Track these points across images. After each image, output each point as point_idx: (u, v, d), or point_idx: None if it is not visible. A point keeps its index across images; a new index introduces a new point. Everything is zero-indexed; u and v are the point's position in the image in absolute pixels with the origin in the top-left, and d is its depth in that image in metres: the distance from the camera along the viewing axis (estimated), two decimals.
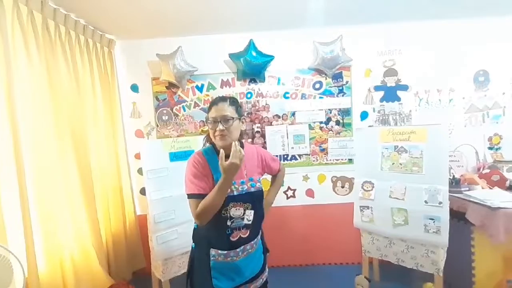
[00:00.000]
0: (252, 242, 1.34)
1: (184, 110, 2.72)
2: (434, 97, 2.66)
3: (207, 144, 1.36)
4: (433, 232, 1.85)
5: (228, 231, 1.27)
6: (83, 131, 2.10)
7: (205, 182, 1.23)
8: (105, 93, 2.43)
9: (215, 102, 1.27)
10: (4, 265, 1.21)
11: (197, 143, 2.19)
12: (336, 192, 2.76)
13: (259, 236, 1.41)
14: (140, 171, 2.70)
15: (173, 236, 2.01)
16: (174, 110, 2.72)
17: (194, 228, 1.40)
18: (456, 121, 2.65)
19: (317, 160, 2.74)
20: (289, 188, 2.77)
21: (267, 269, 1.48)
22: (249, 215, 1.29)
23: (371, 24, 2.56)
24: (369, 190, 2.10)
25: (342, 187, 2.76)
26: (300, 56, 2.66)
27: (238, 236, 1.28)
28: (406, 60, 2.64)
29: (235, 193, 1.26)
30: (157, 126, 2.73)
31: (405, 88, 2.67)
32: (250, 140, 2.73)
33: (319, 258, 2.80)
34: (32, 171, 1.65)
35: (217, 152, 1.21)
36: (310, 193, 2.77)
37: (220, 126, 1.21)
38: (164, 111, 2.72)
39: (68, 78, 1.99)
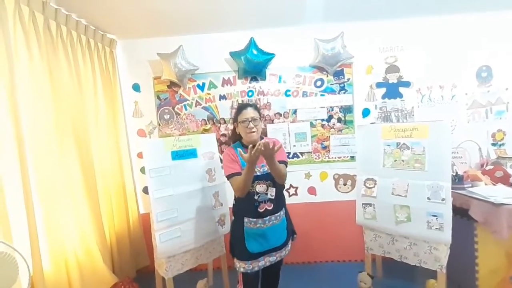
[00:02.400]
0: (276, 214, 1.71)
1: (186, 109, 2.73)
2: (436, 94, 2.64)
3: (230, 142, 1.78)
4: (436, 228, 1.84)
5: (256, 203, 1.67)
6: (86, 131, 2.12)
7: (236, 166, 1.65)
8: (107, 93, 2.44)
9: (244, 107, 1.71)
10: (9, 263, 1.23)
11: (199, 142, 2.20)
12: (338, 190, 2.76)
13: (282, 212, 1.76)
14: (143, 170, 2.71)
15: (176, 234, 2.02)
16: (175, 109, 2.72)
17: (233, 204, 1.81)
18: (459, 117, 2.63)
19: (319, 157, 2.74)
20: (291, 186, 2.77)
21: (290, 245, 1.85)
22: (272, 191, 1.69)
23: (373, 20, 2.55)
24: (371, 187, 2.09)
25: (344, 184, 2.75)
26: (301, 54, 2.65)
27: (264, 208, 1.67)
28: (408, 57, 2.62)
29: (258, 173, 1.66)
30: (159, 125, 2.74)
31: (407, 84, 2.65)
32: None
33: (321, 255, 2.81)
34: (35, 170, 1.67)
35: (244, 146, 1.70)
36: (312, 190, 2.77)
37: (251, 125, 1.65)
38: (166, 110, 2.73)
39: (70, 78, 2.00)
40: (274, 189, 1.69)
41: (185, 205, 2.06)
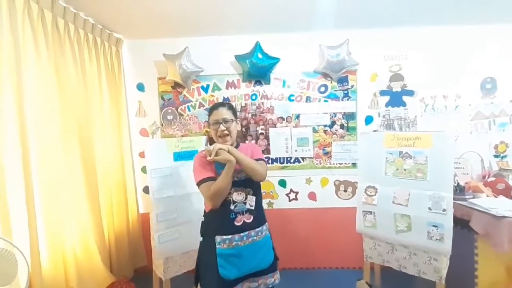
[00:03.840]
0: (257, 229, 1.44)
1: (189, 110, 2.73)
2: (440, 103, 2.64)
3: (209, 145, 1.53)
4: (436, 239, 1.83)
5: (232, 215, 1.40)
6: (89, 129, 2.13)
7: (210, 170, 1.42)
8: (111, 91, 2.45)
9: (215, 107, 1.50)
10: (9, 259, 1.23)
11: (201, 143, 2.20)
12: (338, 196, 2.76)
13: (265, 228, 1.50)
14: (144, 169, 2.72)
15: (175, 236, 2.02)
16: (179, 110, 2.73)
17: (202, 222, 1.51)
18: (462, 128, 2.63)
19: (320, 163, 2.73)
20: (291, 190, 2.77)
21: (278, 273, 1.52)
22: (251, 200, 1.44)
23: (378, 28, 2.56)
24: (372, 195, 2.09)
25: (345, 191, 2.75)
26: (306, 59, 2.66)
27: (242, 220, 1.41)
28: (413, 66, 2.63)
29: (235, 179, 1.42)
30: (162, 125, 2.75)
31: (410, 93, 2.66)
32: (253, 141, 2.73)
33: (320, 261, 2.80)
34: (38, 167, 1.67)
35: None
36: (312, 196, 2.77)
37: (222, 127, 1.45)
38: (169, 111, 2.74)
39: (75, 76, 2.01)
40: (254, 198, 1.45)
41: (185, 207, 2.06)
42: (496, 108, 2.62)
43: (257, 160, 1.47)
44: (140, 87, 2.74)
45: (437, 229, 1.83)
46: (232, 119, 1.48)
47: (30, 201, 1.55)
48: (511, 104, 2.60)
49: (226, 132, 1.45)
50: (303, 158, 2.73)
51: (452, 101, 2.63)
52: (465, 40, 2.57)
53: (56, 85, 1.82)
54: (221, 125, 1.45)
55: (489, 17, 2.39)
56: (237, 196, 1.42)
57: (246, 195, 1.44)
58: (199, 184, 1.39)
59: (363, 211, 2.13)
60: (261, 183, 1.51)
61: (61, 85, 1.86)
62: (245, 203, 1.43)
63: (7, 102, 1.51)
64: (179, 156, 2.11)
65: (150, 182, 1.98)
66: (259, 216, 1.47)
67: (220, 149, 1.36)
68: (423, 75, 2.62)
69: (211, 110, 1.51)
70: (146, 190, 2.71)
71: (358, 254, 2.36)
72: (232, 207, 1.40)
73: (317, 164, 2.73)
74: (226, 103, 1.54)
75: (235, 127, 1.51)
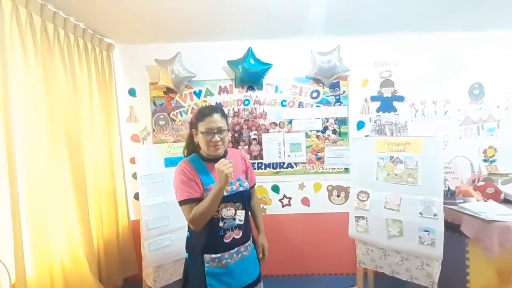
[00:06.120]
0: (246, 244, 1.38)
1: (181, 116, 2.72)
2: (429, 109, 2.68)
3: (186, 152, 1.44)
4: (428, 244, 1.84)
5: (221, 232, 1.31)
6: (78, 134, 2.09)
7: (194, 187, 1.28)
8: (102, 97, 2.42)
9: (208, 113, 1.31)
10: None
11: None
12: (331, 201, 2.76)
13: (251, 240, 1.43)
14: (135, 175, 2.67)
15: (166, 243, 1.98)
16: (171, 115, 2.71)
17: (187, 237, 1.41)
18: (452, 133, 2.67)
19: (313, 168, 2.73)
20: (284, 196, 2.76)
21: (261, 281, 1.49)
22: (240, 215, 1.34)
23: (369, 35, 2.60)
24: (364, 200, 2.09)
25: (338, 196, 2.75)
26: (298, 65, 2.68)
27: (232, 237, 1.33)
28: (403, 72, 2.67)
29: (225, 193, 1.28)
30: (154, 130, 2.72)
31: (401, 99, 2.69)
32: (246, 147, 2.72)
33: (313, 267, 2.78)
34: (24, 173, 1.63)
35: (203, 159, 1.35)
36: (305, 201, 2.76)
37: (217, 138, 1.29)
38: (161, 116, 2.71)
39: (65, 81, 1.98)
40: (243, 212, 1.35)
41: (176, 214, 2.00)
42: (484, 114, 2.67)
43: (252, 177, 1.49)
44: (132, 92, 2.72)
45: (428, 234, 1.84)
46: (227, 129, 1.35)
47: (16, 208, 1.50)
48: (499, 110, 2.66)
49: (220, 143, 1.30)
50: (296, 164, 2.73)
51: (441, 107, 2.68)
52: (453, 47, 2.63)
53: (45, 90, 1.79)
54: (216, 135, 1.29)
55: (477, 24, 2.45)
56: (226, 212, 1.30)
57: (235, 210, 1.33)
58: (180, 203, 1.28)
59: (356, 216, 2.13)
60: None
61: (50, 90, 1.82)
62: (234, 219, 1.32)
63: None
64: (171, 162, 2.08)
65: (140, 189, 1.95)
66: (247, 229, 1.40)
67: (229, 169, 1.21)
68: (412, 81, 2.66)
69: (201, 116, 1.32)
70: (137, 196, 2.66)
71: (351, 259, 2.35)
72: (221, 224, 1.29)
73: (310, 169, 2.73)
74: (219, 109, 1.37)
75: (228, 137, 1.39)
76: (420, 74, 2.66)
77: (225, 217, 1.30)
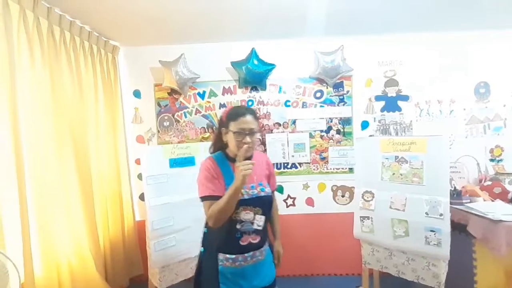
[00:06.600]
0: (261, 249, 1.36)
1: (186, 117, 2.73)
2: (435, 108, 2.66)
3: (213, 150, 1.42)
4: (434, 244, 1.82)
5: (237, 234, 1.29)
6: (84, 136, 2.11)
7: (216, 185, 1.28)
8: (107, 98, 2.45)
9: (242, 113, 1.30)
10: (0, 270, 1.20)
11: (198, 150, 2.20)
12: (336, 201, 2.75)
13: (267, 245, 1.42)
14: (140, 176, 2.69)
15: (171, 243, 1.99)
16: (175, 116, 2.73)
17: (204, 233, 1.41)
18: (457, 132, 2.64)
19: (317, 168, 2.73)
20: (288, 196, 2.76)
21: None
22: (259, 220, 1.31)
23: (372, 34, 2.59)
24: (369, 200, 2.08)
25: (342, 196, 2.74)
26: (301, 65, 2.68)
27: (248, 241, 1.31)
28: (407, 71, 2.66)
29: (246, 197, 1.29)
30: (158, 131, 2.74)
31: (405, 98, 2.68)
32: None
33: (318, 268, 2.77)
34: (32, 176, 1.65)
35: (228, 159, 1.35)
36: (310, 201, 2.76)
37: (248, 139, 1.27)
38: (166, 117, 2.73)
39: (71, 83, 2.01)
40: (263, 217, 1.33)
41: (181, 214, 2.04)
42: (490, 112, 2.64)
43: (273, 183, 1.47)
44: (137, 94, 2.74)
45: (434, 234, 1.82)
46: (258, 130, 1.33)
47: (24, 210, 1.53)
48: (505, 108, 2.63)
49: (251, 144, 1.27)
50: (300, 164, 2.73)
51: (446, 106, 2.65)
52: (458, 45, 2.61)
53: (51, 93, 1.81)
54: (247, 136, 1.27)
55: (482, 22, 2.43)
56: (245, 215, 1.29)
57: (254, 214, 1.30)
58: (201, 199, 1.29)
59: (361, 217, 2.12)
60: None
61: (56, 93, 1.85)
62: (252, 223, 1.30)
63: (1, 110, 1.50)
64: (175, 163, 2.10)
65: (145, 189, 1.97)
66: (265, 235, 1.38)
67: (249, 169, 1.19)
68: (417, 80, 2.64)
69: (235, 116, 1.29)
70: (142, 197, 2.68)
71: (356, 260, 2.34)
72: (238, 226, 1.28)
73: (314, 169, 2.73)
74: (252, 110, 1.35)
75: (257, 139, 1.36)
76: (425, 73, 2.64)
77: (243, 220, 1.29)
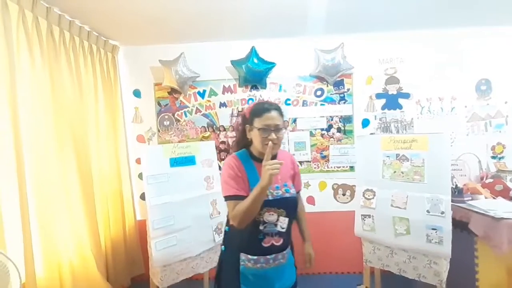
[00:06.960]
0: (284, 252, 1.33)
1: (186, 116, 2.73)
2: (436, 106, 2.65)
3: (236, 147, 1.39)
4: (436, 242, 1.81)
5: (260, 235, 1.26)
6: (85, 136, 2.11)
7: (240, 183, 1.24)
8: (107, 98, 2.45)
9: (267, 109, 1.25)
10: (1, 271, 1.20)
11: (198, 149, 2.19)
12: (337, 200, 2.74)
13: (289, 247, 1.38)
14: (140, 175, 2.69)
15: (172, 242, 1.99)
16: (175, 115, 2.73)
17: (225, 231, 1.38)
18: (459, 129, 2.63)
19: (318, 167, 2.72)
20: None
21: None
22: (283, 222, 1.27)
23: (373, 32, 2.57)
24: (370, 199, 2.07)
25: (343, 194, 2.73)
26: (302, 63, 2.67)
27: (271, 243, 1.28)
28: (408, 68, 2.64)
29: (270, 197, 1.25)
30: (159, 131, 2.74)
31: (406, 96, 2.67)
32: None
33: (319, 266, 2.76)
34: (32, 175, 1.65)
35: (252, 157, 1.30)
36: (311, 200, 2.75)
37: (274, 135, 1.22)
38: (166, 117, 2.73)
39: (71, 83, 2.01)
40: (287, 219, 1.28)
41: (182, 213, 2.04)
42: (492, 110, 2.63)
43: (298, 183, 1.44)
44: (137, 93, 2.74)
45: (436, 232, 1.81)
46: (284, 127, 1.29)
47: (25, 210, 1.53)
48: (507, 105, 2.61)
49: (276, 141, 1.22)
50: (300, 162, 2.72)
51: (448, 103, 2.64)
52: (459, 42, 2.60)
53: (51, 92, 1.81)
54: (273, 133, 1.22)
55: (482, 19, 2.41)
56: (268, 217, 1.25)
57: (278, 216, 1.26)
58: (225, 198, 1.25)
59: (362, 215, 2.12)
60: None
61: (56, 92, 1.85)
62: (275, 225, 1.26)
63: (1, 111, 1.49)
64: (176, 162, 2.09)
65: (146, 189, 1.96)
66: (289, 237, 1.35)
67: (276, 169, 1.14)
68: (418, 77, 2.63)
69: (259, 112, 1.25)
70: (143, 196, 2.68)
71: (357, 258, 2.34)
72: (261, 227, 1.25)
73: (315, 168, 2.72)
74: (277, 106, 1.30)
75: (283, 135, 1.30)
76: (425, 71, 2.63)
77: (266, 221, 1.25)
